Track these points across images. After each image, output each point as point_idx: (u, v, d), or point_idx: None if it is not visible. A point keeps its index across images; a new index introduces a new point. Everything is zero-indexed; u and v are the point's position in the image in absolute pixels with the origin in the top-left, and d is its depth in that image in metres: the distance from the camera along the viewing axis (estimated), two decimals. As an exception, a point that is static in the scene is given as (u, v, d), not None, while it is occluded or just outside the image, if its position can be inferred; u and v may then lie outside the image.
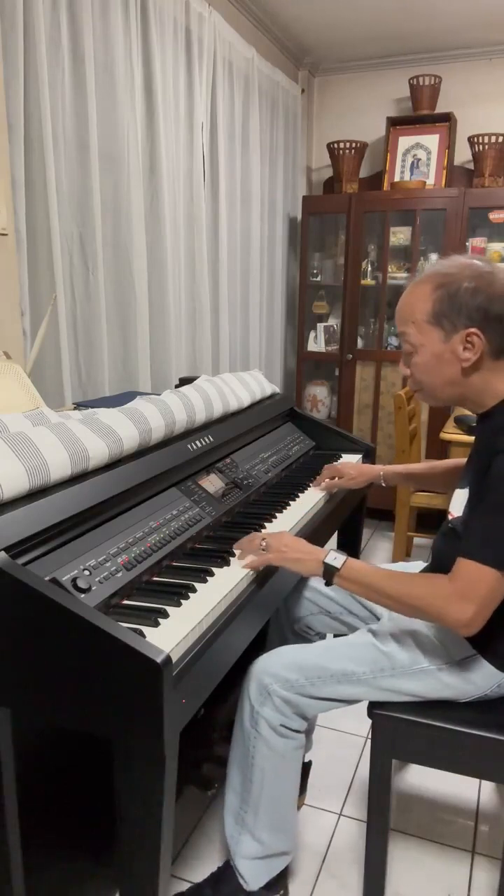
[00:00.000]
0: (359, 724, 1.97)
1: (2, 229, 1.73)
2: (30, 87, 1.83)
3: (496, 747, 1.24)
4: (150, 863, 1.00)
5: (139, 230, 2.30)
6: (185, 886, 1.41)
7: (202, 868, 1.49)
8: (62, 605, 0.89)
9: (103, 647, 0.87)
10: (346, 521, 1.93)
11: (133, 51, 2.21)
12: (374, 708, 1.32)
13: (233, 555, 1.27)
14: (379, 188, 3.64)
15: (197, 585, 1.14)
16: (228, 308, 3.06)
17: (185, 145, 2.60)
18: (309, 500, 1.63)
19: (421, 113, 3.54)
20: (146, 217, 2.37)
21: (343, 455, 2.02)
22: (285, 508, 1.57)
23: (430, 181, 3.53)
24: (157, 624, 1.00)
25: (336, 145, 3.63)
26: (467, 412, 2.69)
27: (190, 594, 1.11)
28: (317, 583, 1.61)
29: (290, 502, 1.60)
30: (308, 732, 1.46)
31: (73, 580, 1.01)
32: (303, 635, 1.63)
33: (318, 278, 3.80)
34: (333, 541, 1.54)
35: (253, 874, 1.33)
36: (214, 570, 1.20)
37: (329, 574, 1.22)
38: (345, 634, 1.47)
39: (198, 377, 1.77)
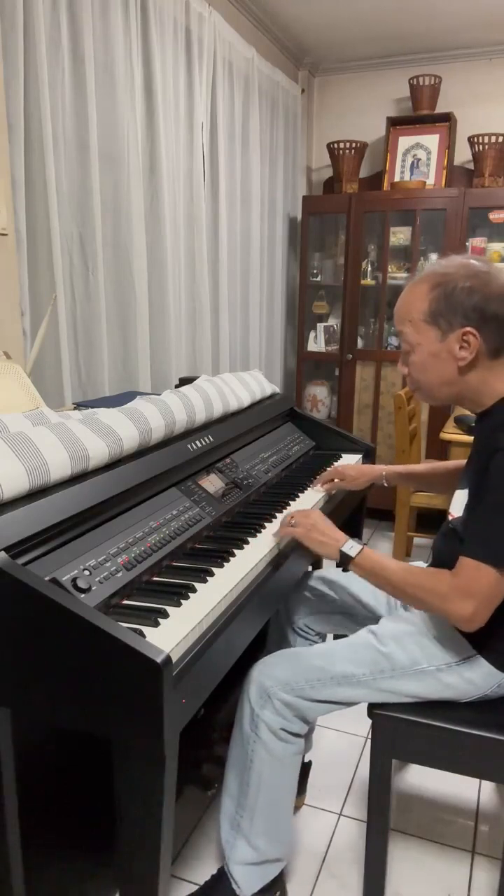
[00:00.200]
0: (359, 724, 1.97)
1: (2, 229, 1.73)
2: (30, 87, 1.83)
3: (496, 747, 1.24)
4: (150, 863, 1.00)
5: (139, 230, 2.30)
6: (185, 886, 1.41)
7: (202, 868, 1.49)
8: (62, 605, 0.89)
9: (103, 647, 0.87)
10: (347, 521, 1.92)
11: (133, 51, 2.21)
12: (374, 708, 1.32)
13: (233, 555, 1.27)
14: (379, 188, 3.64)
15: (197, 585, 1.14)
16: (228, 308, 3.06)
17: (185, 145, 2.60)
18: (309, 501, 1.63)
19: (421, 113, 3.54)
20: (146, 217, 2.37)
21: (343, 455, 2.02)
22: (285, 508, 1.56)
23: (430, 181, 3.53)
24: (157, 624, 1.00)
25: (336, 145, 3.63)
26: (467, 412, 2.69)
27: (190, 594, 1.10)
28: (317, 583, 1.62)
29: (290, 502, 1.60)
30: (308, 734, 1.46)
31: (73, 580, 1.01)
32: (303, 636, 1.63)
33: (318, 278, 3.80)
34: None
35: (247, 880, 1.33)
36: (214, 570, 1.20)
37: (345, 560, 1.27)
38: (345, 635, 1.47)
39: (198, 377, 1.77)
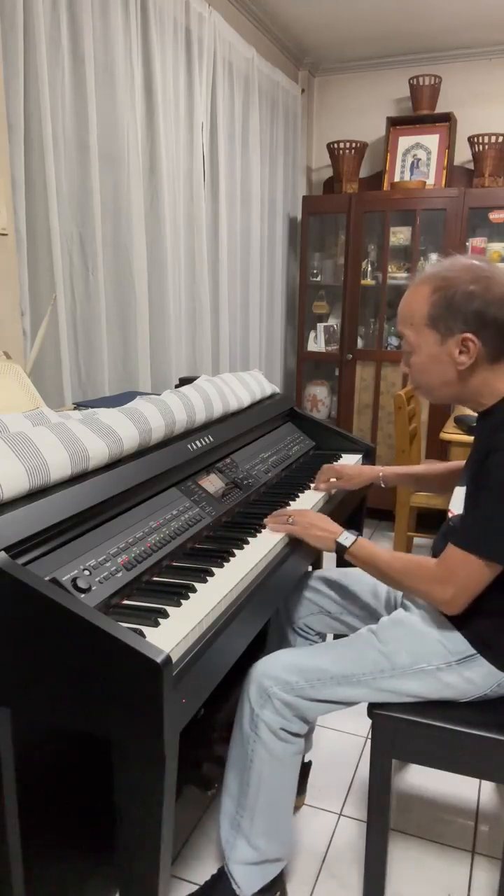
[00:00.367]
0: (359, 724, 1.97)
1: (2, 229, 1.73)
2: (30, 87, 1.83)
3: (496, 747, 1.24)
4: (150, 863, 1.00)
5: (139, 230, 2.30)
6: (185, 886, 1.41)
7: (202, 868, 1.49)
8: (62, 605, 0.89)
9: (103, 647, 0.87)
10: (347, 521, 1.92)
11: (133, 51, 2.21)
12: (374, 708, 1.32)
13: (233, 555, 1.27)
14: (379, 188, 3.64)
15: (197, 585, 1.14)
16: (228, 308, 3.06)
17: (185, 145, 2.60)
18: (309, 501, 1.63)
19: (421, 113, 3.54)
20: (146, 217, 2.37)
21: (343, 455, 2.02)
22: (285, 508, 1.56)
23: (430, 181, 3.53)
24: (157, 624, 1.00)
25: (336, 145, 3.63)
26: (467, 412, 2.69)
27: (190, 594, 1.10)
28: (317, 583, 1.62)
29: (290, 502, 1.60)
30: (308, 734, 1.46)
31: (73, 580, 1.01)
32: (303, 636, 1.63)
33: (318, 278, 3.80)
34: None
35: (247, 880, 1.33)
36: (214, 570, 1.20)
37: (340, 551, 1.34)
38: (345, 635, 1.47)
39: (198, 377, 1.77)
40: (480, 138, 3.37)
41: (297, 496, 1.65)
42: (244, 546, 1.32)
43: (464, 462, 1.40)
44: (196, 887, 1.40)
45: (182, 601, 1.08)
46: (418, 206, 3.40)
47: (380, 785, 1.34)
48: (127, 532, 1.19)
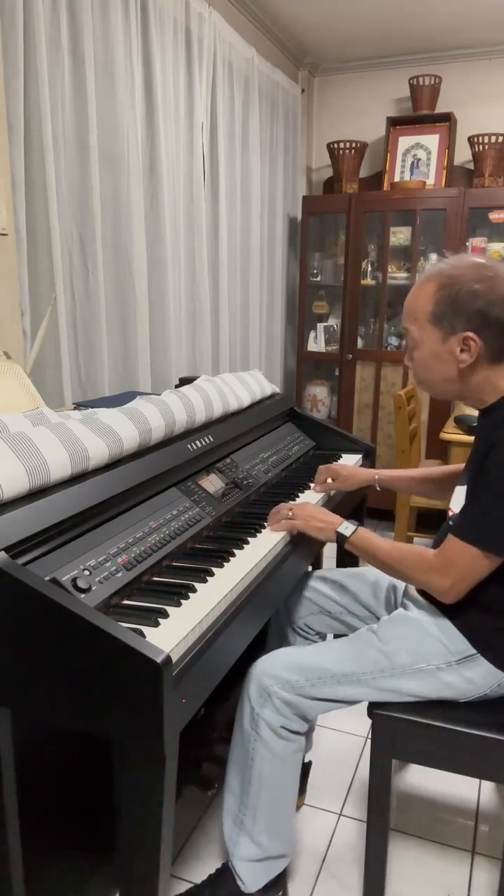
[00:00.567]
0: (359, 724, 1.97)
1: (2, 229, 1.73)
2: (30, 87, 1.83)
3: (496, 747, 1.24)
4: (150, 863, 1.00)
5: (139, 230, 2.30)
6: (185, 886, 1.41)
7: (202, 868, 1.49)
8: (62, 605, 0.89)
9: (103, 647, 0.87)
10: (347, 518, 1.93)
11: (133, 51, 2.21)
12: (374, 708, 1.32)
13: (233, 555, 1.27)
14: (379, 188, 3.64)
15: (197, 585, 1.14)
16: (228, 308, 3.06)
17: (185, 145, 2.60)
18: (310, 499, 1.63)
19: (421, 113, 3.54)
20: (146, 217, 2.37)
21: (343, 455, 2.02)
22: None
23: (430, 181, 3.53)
24: (157, 624, 1.00)
25: (336, 145, 3.63)
26: (467, 412, 2.69)
27: (190, 594, 1.10)
28: (317, 583, 1.62)
29: (292, 503, 1.60)
30: (308, 733, 1.46)
31: (73, 580, 1.01)
32: (303, 635, 1.62)
33: (318, 278, 3.80)
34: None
35: (251, 876, 1.33)
36: (214, 570, 1.20)
37: (341, 541, 1.36)
38: (345, 634, 1.47)
39: (198, 377, 1.77)
40: (480, 138, 3.37)
41: (297, 496, 1.65)
42: (244, 546, 1.32)
43: (461, 465, 1.41)
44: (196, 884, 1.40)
45: (182, 601, 1.08)
46: (418, 206, 3.40)
47: (380, 785, 1.34)
48: (127, 532, 1.19)
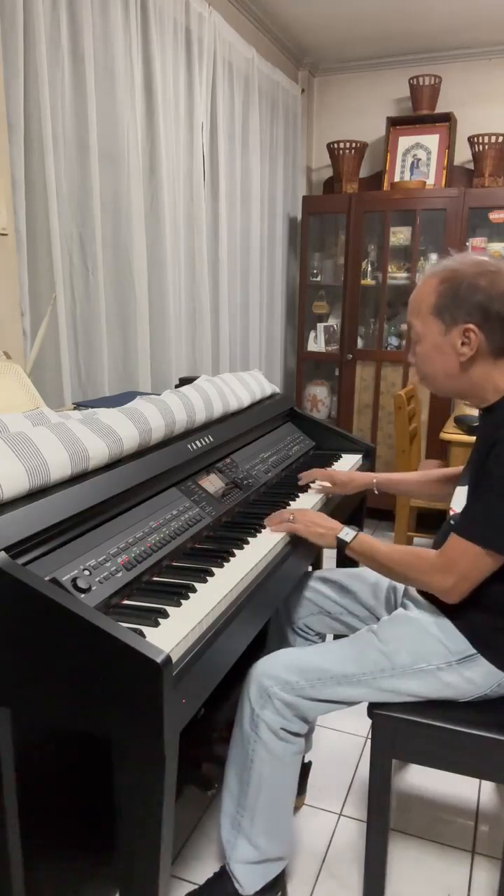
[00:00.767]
0: (359, 724, 1.97)
1: (2, 229, 1.73)
2: (30, 87, 1.83)
3: (496, 747, 1.24)
4: (150, 863, 1.00)
5: (139, 230, 2.30)
6: (185, 887, 1.41)
7: (202, 868, 1.49)
8: (62, 605, 0.89)
9: (103, 647, 0.87)
10: (347, 522, 1.92)
11: (133, 51, 2.21)
12: (374, 708, 1.32)
13: (233, 555, 1.27)
14: (379, 188, 3.64)
15: (197, 585, 1.14)
16: (228, 308, 3.06)
17: (185, 145, 2.60)
18: (308, 501, 1.63)
19: (421, 113, 3.54)
20: (146, 217, 2.37)
21: (343, 455, 2.02)
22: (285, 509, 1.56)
23: (430, 181, 3.53)
24: (157, 624, 1.00)
25: (336, 145, 3.63)
26: (467, 412, 2.69)
27: (190, 594, 1.10)
28: (317, 583, 1.62)
29: (290, 502, 1.60)
30: (308, 734, 1.46)
31: (73, 580, 1.01)
32: (303, 636, 1.62)
33: (318, 278, 3.80)
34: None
35: (248, 879, 1.33)
36: (214, 570, 1.20)
37: (341, 546, 1.36)
38: (345, 635, 1.47)
39: (198, 377, 1.77)
40: (480, 138, 3.37)
41: (297, 496, 1.65)
42: (244, 546, 1.32)
43: (460, 468, 1.41)
44: (196, 887, 1.40)
45: (182, 601, 1.08)
46: (418, 206, 3.40)
47: (380, 785, 1.34)
48: (127, 532, 1.19)
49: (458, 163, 3.62)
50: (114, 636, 0.86)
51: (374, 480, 1.69)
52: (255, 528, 1.41)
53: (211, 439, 1.56)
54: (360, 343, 3.67)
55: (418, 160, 3.58)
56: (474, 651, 1.27)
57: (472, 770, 1.35)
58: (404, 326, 3.58)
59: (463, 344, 1.21)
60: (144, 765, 0.94)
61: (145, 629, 0.98)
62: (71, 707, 0.94)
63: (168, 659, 0.87)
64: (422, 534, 3.13)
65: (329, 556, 2.07)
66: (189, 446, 1.47)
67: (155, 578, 1.17)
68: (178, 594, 1.09)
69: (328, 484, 1.69)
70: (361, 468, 1.97)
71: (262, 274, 3.43)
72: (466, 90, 3.59)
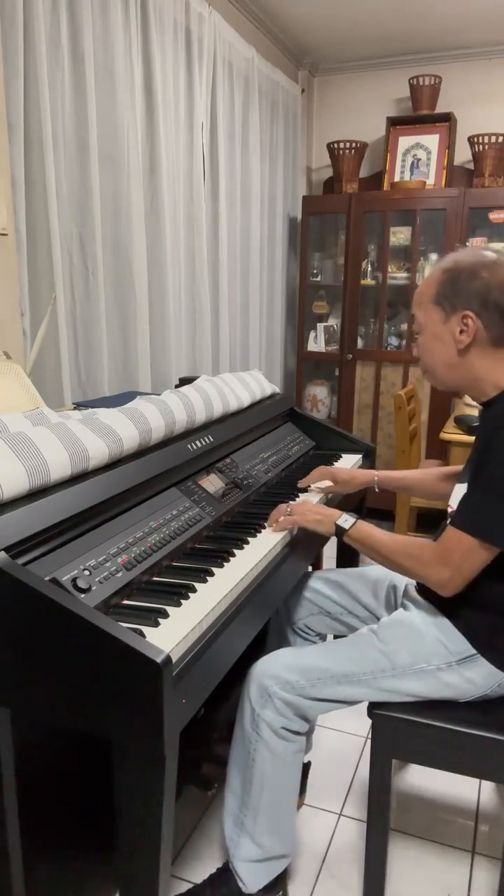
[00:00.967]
0: (359, 724, 1.97)
1: (2, 229, 1.73)
2: (30, 87, 1.83)
3: (496, 747, 1.24)
4: (150, 863, 1.00)
5: (139, 230, 2.30)
6: (185, 886, 1.41)
7: (202, 868, 1.49)
8: (62, 605, 0.89)
9: (103, 647, 0.87)
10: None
11: (133, 51, 2.21)
12: (374, 708, 1.32)
13: (233, 555, 1.27)
14: (379, 188, 3.64)
15: (197, 585, 1.14)
16: (228, 308, 3.06)
17: (185, 145, 2.60)
18: (309, 500, 1.63)
19: (421, 113, 3.54)
20: (146, 217, 2.37)
21: (343, 455, 2.02)
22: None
23: (430, 181, 3.53)
24: (157, 624, 1.00)
25: (336, 145, 3.63)
26: (467, 412, 2.69)
27: (190, 594, 1.10)
28: (317, 583, 1.62)
29: (290, 503, 1.60)
30: (308, 733, 1.46)
31: (73, 580, 1.01)
32: (303, 636, 1.62)
33: (318, 278, 3.80)
34: (333, 539, 1.55)
35: (252, 877, 1.33)
36: (214, 570, 1.20)
37: (340, 533, 1.36)
38: (345, 635, 1.47)
39: (198, 377, 1.77)
40: (480, 138, 3.37)
41: (297, 496, 1.65)
42: (244, 546, 1.32)
43: (460, 466, 1.41)
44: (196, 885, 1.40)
45: (182, 601, 1.08)
46: (418, 206, 3.40)
47: (380, 785, 1.34)
48: (127, 532, 1.19)
49: (458, 163, 3.62)
50: (114, 636, 0.86)
51: (375, 478, 1.69)
52: (255, 528, 1.41)
53: (211, 439, 1.56)
54: (360, 343, 3.67)
55: (418, 160, 3.58)
56: (474, 651, 1.27)
57: (472, 770, 1.35)
58: (404, 326, 3.59)
59: (461, 332, 1.22)
60: (144, 765, 0.94)
61: (145, 629, 0.98)
62: (71, 707, 0.94)
63: (168, 659, 0.87)
64: (422, 534, 3.13)
65: (329, 556, 2.07)
66: (189, 446, 1.47)
67: (155, 578, 1.17)
68: (178, 594, 1.09)
69: (330, 483, 1.69)
70: (362, 468, 1.97)
71: (262, 274, 3.43)
72: (466, 90, 3.59)
